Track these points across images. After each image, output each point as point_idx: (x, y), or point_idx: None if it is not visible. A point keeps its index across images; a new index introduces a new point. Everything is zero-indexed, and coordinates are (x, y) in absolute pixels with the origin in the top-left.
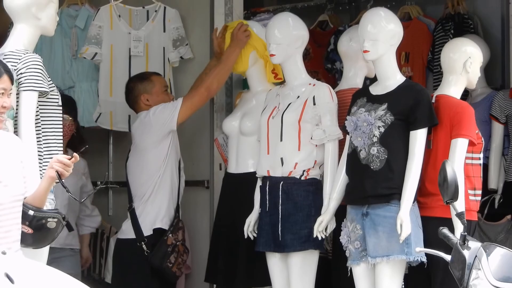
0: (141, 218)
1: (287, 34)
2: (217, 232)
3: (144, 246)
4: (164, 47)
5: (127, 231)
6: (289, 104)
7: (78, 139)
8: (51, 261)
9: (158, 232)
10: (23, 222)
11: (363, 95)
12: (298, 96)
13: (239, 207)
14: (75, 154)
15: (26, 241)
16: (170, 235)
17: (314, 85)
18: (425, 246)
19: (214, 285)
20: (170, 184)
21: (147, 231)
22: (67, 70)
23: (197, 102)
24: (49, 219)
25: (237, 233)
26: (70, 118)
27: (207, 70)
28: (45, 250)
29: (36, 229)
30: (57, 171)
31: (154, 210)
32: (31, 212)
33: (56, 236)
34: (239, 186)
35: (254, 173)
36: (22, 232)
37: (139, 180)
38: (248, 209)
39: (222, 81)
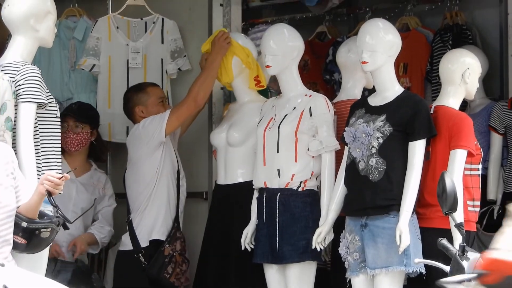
0: (138, 229)
1: (283, 45)
2: (207, 243)
3: (141, 257)
4: (162, 59)
5: (126, 243)
6: (286, 116)
7: (99, 148)
8: (59, 270)
9: (155, 243)
10: (16, 233)
11: (361, 106)
12: (294, 107)
13: (229, 218)
14: (65, 174)
15: (19, 248)
16: (167, 245)
17: (310, 96)
18: (424, 257)
19: None
20: (167, 195)
21: (144, 242)
22: (66, 82)
23: (184, 113)
24: (42, 230)
25: (228, 244)
26: (83, 125)
27: None
28: (44, 260)
29: (29, 239)
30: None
31: (150, 221)
32: (24, 224)
33: (51, 242)
34: (229, 197)
35: (243, 183)
36: (16, 242)
37: (135, 191)
38: (238, 220)
39: (208, 89)
